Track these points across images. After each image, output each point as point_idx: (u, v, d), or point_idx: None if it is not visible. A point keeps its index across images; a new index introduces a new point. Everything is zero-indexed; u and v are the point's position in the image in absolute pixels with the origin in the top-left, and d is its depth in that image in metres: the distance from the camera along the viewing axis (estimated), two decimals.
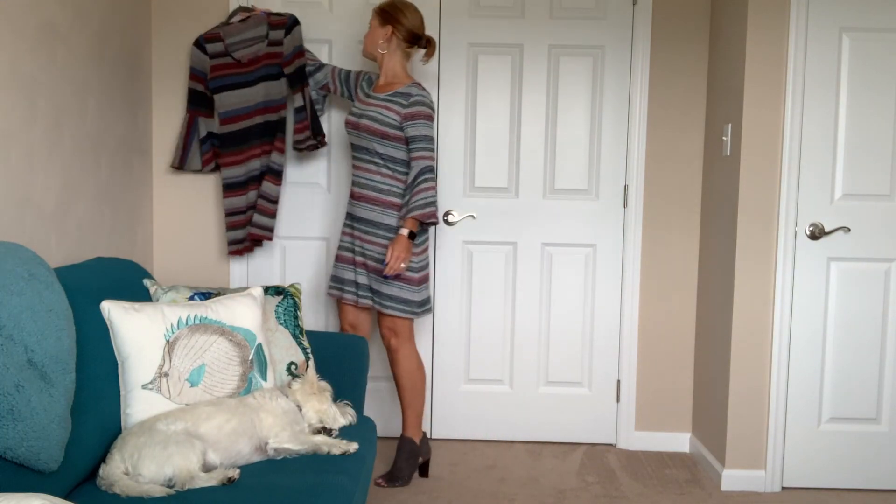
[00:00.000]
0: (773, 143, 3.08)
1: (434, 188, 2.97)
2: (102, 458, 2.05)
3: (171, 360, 2.22)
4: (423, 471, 3.22)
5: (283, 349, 2.60)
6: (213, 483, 1.97)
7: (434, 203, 2.96)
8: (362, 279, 3.07)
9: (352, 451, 2.28)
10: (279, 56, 3.28)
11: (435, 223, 3.01)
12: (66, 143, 2.63)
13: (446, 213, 3.58)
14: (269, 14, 3.30)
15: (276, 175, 3.33)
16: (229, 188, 3.33)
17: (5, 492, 1.40)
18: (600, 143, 3.55)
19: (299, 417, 2.34)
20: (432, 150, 3.00)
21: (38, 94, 2.42)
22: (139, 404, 2.17)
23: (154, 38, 3.45)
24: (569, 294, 3.61)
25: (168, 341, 2.23)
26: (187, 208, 3.52)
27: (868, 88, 3.05)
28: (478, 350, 3.64)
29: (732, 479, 3.16)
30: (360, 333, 3.19)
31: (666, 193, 3.54)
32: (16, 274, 1.76)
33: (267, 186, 3.32)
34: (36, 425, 1.68)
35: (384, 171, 3.01)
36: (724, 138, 3.24)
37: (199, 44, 3.29)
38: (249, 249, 3.40)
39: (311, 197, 3.56)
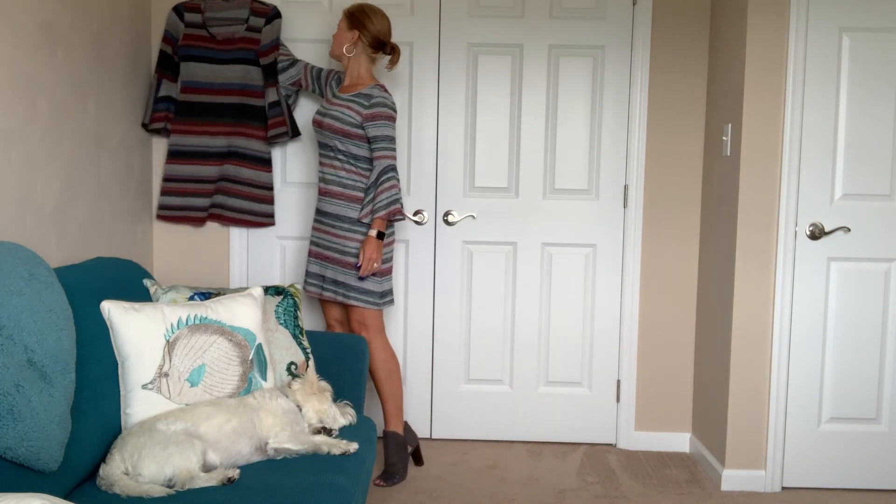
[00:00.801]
0: (773, 143, 3.08)
1: (398, 186, 3.04)
2: (102, 458, 2.05)
3: (171, 360, 2.22)
4: (417, 459, 3.24)
5: (283, 349, 2.60)
6: (213, 483, 1.97)
7: (399, 200, 3.03)
8: (329, 272, 3.12)
9: (352, 451, 2.28)
10: (256, 42, 3.34)
11: (401, 219, 3.10)
12: (66, 143, 2.63)
13: (446, 213, 3.58)
14: (253, 0, 3.35)
15: (264, 162, 3.40)
16: (174, 155, 3.38)
17: (5, 492, 1.40)
18: (600, 143, 3.55)
19: (299, 417, 2.34)
20: (394, 149, 3.07)
21: (38, 94, 2.42)
22: (139, 404, 2.17)
23: (154, 38, 3.45)
24: (569, 294, 3.61)
25: (168, 341, 2.23)
26: None
27: (868, 88, 3.05)
28: (478, 350, 3.64)
29: (732, 479, 3.16)
30: (347, 329, 3.23)
31: (666, 193, 3.54)
32: (16, 274, 1.76)
33: (258, 175, 3.40)
34: (36, 425, 1.68)
35: (348, 167, 3.09)
36: (724, 138, 3.24)
37: (178, 10, 3.36)
38: (188, 221, 3.43)
39: (311, 197, 3.56)
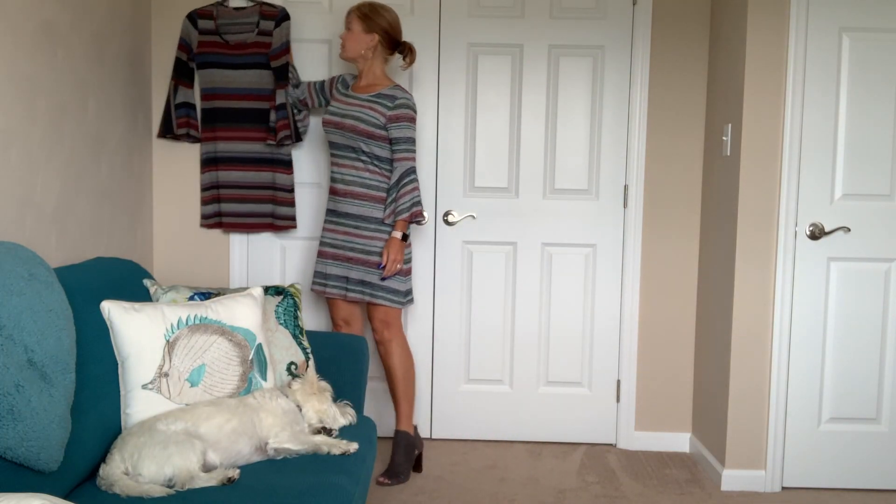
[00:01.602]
0: (773, 143, 3.08)
1: (418, 188, 3.07)
2: (102, 458, 2.05)
3: (171, 360, 2.22)
4: (417, 465, 3.24)
5: (283, 349, 2.60)
6: (213, 483, 1.97)
7: (419, 202, 3.07)
8: (354, 274, 3.10)
9: (352, 451, 2.28)
10: (267, 46, 3.37)
11: (422, 221, 3.12)
12: (66, 143, 2.63)
13: (446, 213, 3.58)
14: (262, 4, 3.38)
15: (286, 165, 3.43)
16: (207, 163, 3.44)
17: (5, 492, 1.40)
18: (600, 143, 3.55)
19: (299, 417, 2.34)
20: (414, 151, 3.08)
21: (38, 94, 2.42)
22: (139, 404, 2.17)
23: (154, 38, 3.45)
24: (569, 294, 3.61)
25: (168, 341, 2.23)
26: (187, 208, 3.52)
27: (868, 88, 3.05)
28: (478, 350, 3.64)
29: (732, 479, 3.16)
30: (353, 329, 3.23)
31: (666, 193, 3.54)
32: (16, 274, 1.76)
33: (283, 178, 3.43)
34: (36, 425, 1.68)
35: (371, 168, 3.08)
36: (724, 138, 3.24)
37: (192, 17, 3.39)
38: (231, 227, 3.46)
39: (311, 197, 3.56)
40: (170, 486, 1.93)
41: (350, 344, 2.85)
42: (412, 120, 3.05)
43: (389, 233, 3.07)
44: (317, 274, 3.20)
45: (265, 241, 3.58)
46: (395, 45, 3.13)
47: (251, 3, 3.40)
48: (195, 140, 3.44)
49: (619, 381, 3.62)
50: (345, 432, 2.40)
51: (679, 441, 3.61)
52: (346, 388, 2.69)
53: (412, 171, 3.06)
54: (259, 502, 1.89)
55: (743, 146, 3.09)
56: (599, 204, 3.57)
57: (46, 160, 2.49)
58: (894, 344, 3.13)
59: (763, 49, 3.05)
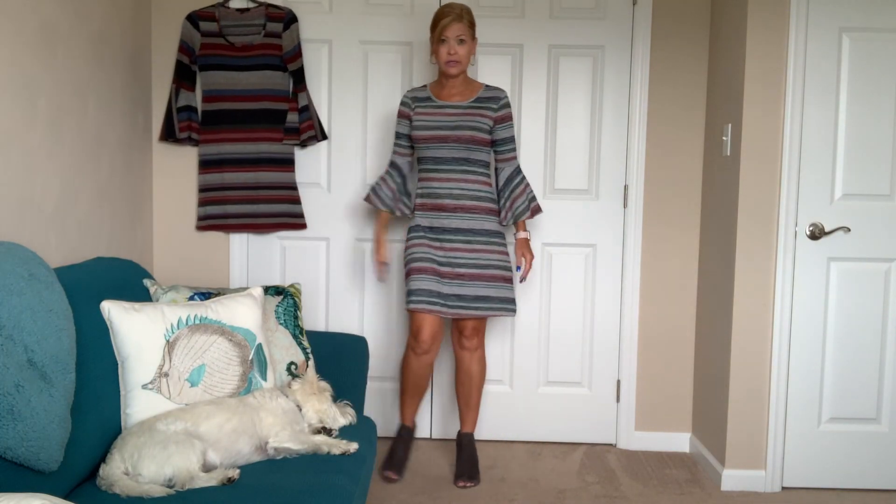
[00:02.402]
0: (773, 143, 3.08)
1: (530, 184, 3.14)
2: (102, 458, 2.05)
3: (171, 360, 2.22)
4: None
5: (283, 349, 2.60)
6: (213, 483, 1.97)
7: (535, 197, 3.12)
8: (469, 290, 3.02)
9: (352, 451, 2.28)
10: (277, 48, 3.38)
11: (540, 212, 3.16)
12: (66, 143, 2.63)
13: None
14: (268, 6, 3.38)
15: (289, 164, 3.45)
16: (205, 165, 3.43)
17: (5, 492, 1.40)
18: (600, 143, 3.55)
19: (299, 417, 2.34)
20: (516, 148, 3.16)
21: (38, 94, 2.42)
22: (139, 404, 2.18)
23: (154, 38, 3.45)
24: (569, 294, 3.61)
25: (168, 341, 2.23)
26: (188, 208, 3.52)
27: (868, 88, 3.05)
28: None
29: (732, 479, 3.16)
30: (437, 343, 3.11)
31: (666, 193, 3.54)
32: (16, 274, 1.76)
33: (286, 176, 3.45)
34: (36, 425, 1.68)
35: (483, 178, 3.07)
36: (724, 138, 3.24)
37: (193, 19, 3.38)
38: (227, 229, 3.48)
39: (311, 197, 3.56)
40: (170, 486, 1.94)
41: (350, 344, 2.86)
42: (512, 117, 3.10)
43: (501, 242, 3.07)
44: (423, 293, 3.00)
45: (265, 241, 3.58)
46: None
47: (255, 5, 3.40)
48: (196, 143, 3.44)
49: (619, 381, 3.62)
50: (345, 432, 2.40)
51: (679, 441, 3.61)
52: (346, 388, 2.69)
53: (520, 169, 3.11)
54: (259, 502, 1.89)
55: (743, 146, 3.09)
56: (599, 204, 3.57)
57: (46, 160, 2.49)
58: (894, 344, 3.13)
59: (763, 49, 3.05)
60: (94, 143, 2.85)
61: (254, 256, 3.58)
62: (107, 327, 2.18)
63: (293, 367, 2.59)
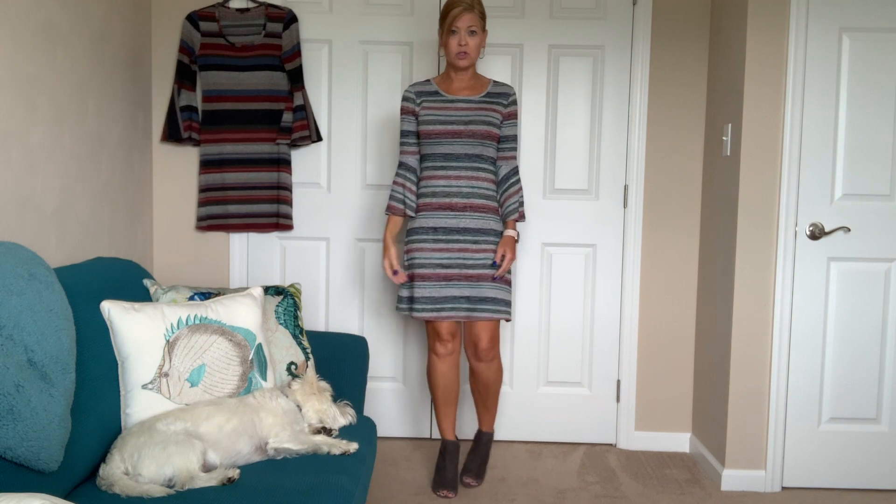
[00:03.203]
0: (773, 143, 3.08)
1: (522, 188, 3.11)
2: (102, 458, 2.06)
3: (171, 360, 2.22)
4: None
5: (283, 349, 2.60)
6: (213, 483, 1.97)
7: (523, 202, 3.06)
8: (476, 291, 2.95)
9: (352, 451, 2.28)
10: (277, 48, 3.39)
11: (524, 220, 3.10)
12: (66, 143, 2.63)
13: None
14: (268, 6, 3.38)
15: (289, 164, 3.47)
16: (206, 165, 3.43)
17: (5, 492, 1.40)
18: (600, 143, 3.55)
19: (299, 417, 2.34)
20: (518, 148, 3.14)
21: (38, 94, 2.42)
22: (139, 404, 2.18)
23: (154, 38, 3.45)
24: (569, 294, 3.61)
25: (168, 341, 2.23)
26: (188, 208, 3.52)
27: (868, 88, 3.05)
28: None
29: (732, 479, 3.16)
30: (456, 342, 3.08)
31: (666, 193, 3.54)
32: (16, 274, 1.76)
33: (285, 177, 3.46)
34: (36, 425, 1.68)
35: (490, 175, 3.00)
36: (724, 138, 3.24)
37: (193, 19, 3.38)
38: (227, 229, 3.48)
39: (311, 197, 3.56)
40: (170, 486, 1.94)
41: (350, 344, 2.85)
42: (518, 115, 3.07)
43: (495, 240, 2.98)
44: (421, 300, 2.95)
45: (265, 241, 3.58)
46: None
47: (255, 5, 3.40)
48: (197, 143, 3.44)
49: (619, 381, 3.62)
50: (345, 432, 2.40)
51: (679, 441, 3.61)
52: (346, 388, 2.69)
53: (517, 170, 3.04)
54: (259, 502, 1.89)
55: (743, 146, 3.09)
56: (599, 204, 3.57)
57: (46, 160, 2.49)
58: (894, 344, 3.13)
59: (763, 49, 3.05)
60: (95, 143, 2.85)
61: (254, 256, 3.59)
62: (107, 327, 2.18)
63: (293, 367, 2.60)
